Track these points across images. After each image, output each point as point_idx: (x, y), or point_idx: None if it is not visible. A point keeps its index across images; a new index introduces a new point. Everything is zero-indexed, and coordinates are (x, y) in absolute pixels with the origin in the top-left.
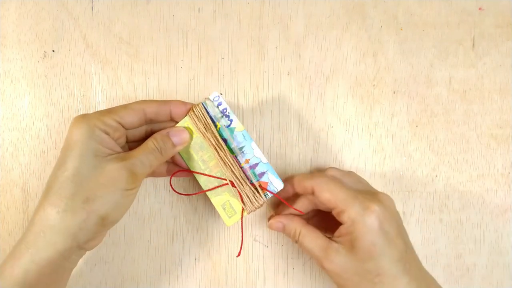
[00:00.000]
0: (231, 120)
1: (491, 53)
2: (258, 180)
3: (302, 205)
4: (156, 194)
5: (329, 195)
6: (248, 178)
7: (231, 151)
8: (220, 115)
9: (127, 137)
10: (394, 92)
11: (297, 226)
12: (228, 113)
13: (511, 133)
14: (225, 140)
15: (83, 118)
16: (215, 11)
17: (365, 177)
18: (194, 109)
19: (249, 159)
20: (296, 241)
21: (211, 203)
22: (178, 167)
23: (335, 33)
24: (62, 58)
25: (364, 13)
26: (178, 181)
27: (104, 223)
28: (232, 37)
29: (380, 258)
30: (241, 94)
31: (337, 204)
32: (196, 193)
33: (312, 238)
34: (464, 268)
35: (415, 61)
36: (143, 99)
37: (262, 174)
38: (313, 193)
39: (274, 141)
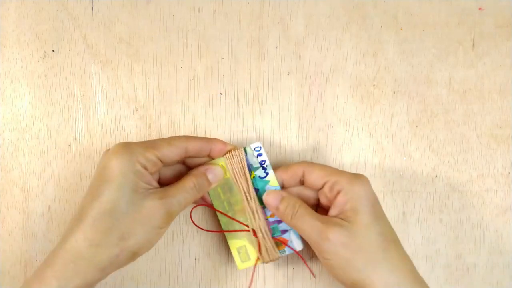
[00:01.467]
0: (267, 173)
1: (491, 53)
2: (279, 236)
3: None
4: None
5: (320, 171)
6: (270, 231)
7: (260, 201)
8: (257, 165)
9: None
10: (394, 92)
11: (296, 201)
12: (266, 166)
13: (511, 133)
14: (256, 190)
15: (126, 149)
16: (215, 11)
17: None
18: (233, 152)
19: (274, 214)
20: (291, 219)
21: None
22: (200, 200)
23: (335, 33)
24: (62, 58)
25: (364, 13)
26: (196, 211)
27: (134, 257)
28: (232, 37)
29: (381, 221)
30: (241, 94)
31: (330, 177)
32: (216, 231)
33: (310, 216)
34: (464, 268)
35: (415, 61)
36: (184, 134)
37: (285, 231)
38: (303, 177)
39: (274, 141)
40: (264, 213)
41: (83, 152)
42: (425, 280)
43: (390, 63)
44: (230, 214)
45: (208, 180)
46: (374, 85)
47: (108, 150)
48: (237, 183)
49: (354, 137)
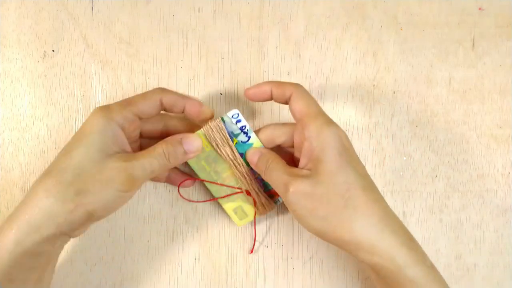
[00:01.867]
0: (249, 137)
1: (491, 53)
2: (271, 189)
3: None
4: (156, 194)
5: (303, 106)
6: (262, 187)
7: (247, 164)
8: (238, 131)
9: (142, 132)
10: (394, 92)
11: (269, 157)
12: (247, 130)
13: (511, 133)
14: (241, 155)
15: (103, 110)
16: (215, 11)
17: None
18: (210, 124)
19: None
20: (264, 174)
21: (212, 205)
22: (180, 176)
23: (335, 33)
24: (62, 58)
25: (364, 13)
26: (184, 189)
27: (90, 218)
28: (232, 37)
29: (348, 169)
30: (241, 94)
31: (305, 117)
32: (209, 200)
33: (279, 167)
34: (464, 268)
35: (415, 61)
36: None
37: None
38: (288, 99)
39: None
40: (253, 173)
41: None
42: None
43: (390, 63)
44: (219, 182)
45: (184, 150)
46: (374, 85)
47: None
48: (222, 153)
49: (354, 137)
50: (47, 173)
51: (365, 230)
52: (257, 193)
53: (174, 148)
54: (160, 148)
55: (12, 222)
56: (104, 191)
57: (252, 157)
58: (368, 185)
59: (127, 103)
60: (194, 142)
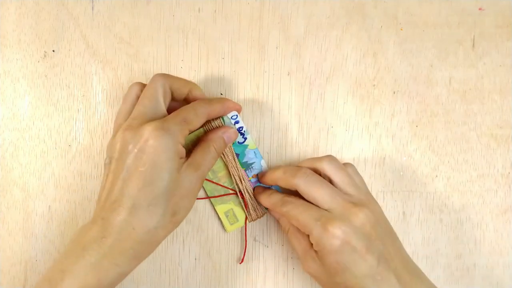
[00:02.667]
0: (245, 138)
1: (491, 53)
2: None
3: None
4: None
5: (296, 222)
6: (253, 191)
7: (242, 165)
8: None
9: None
10: (394, 92)
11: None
12: (244, 131)
13: (511, 133)
14: (237, 155)
15: (167, 133)
16: (215, 11)
17: (365, 177)
18: (211, 122)
19: (256, 174)
20: (286, 234)
21: (211, 207)
22: None
23: (335, 33)
24: (62, 58)
25: (364, 13)
26: None
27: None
28: (232, 37)
29: (345, 274)
30: (241, 94)
31: (304, 229)
32: (202, 198)
33: (298, 238)
34: (464, 268)
35: (415, 61)
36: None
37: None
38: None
39: (274, 141)
40: (247, 175)
41: (83, 152)
42: None
43: (390, 63)
44: (215, 181)
45: (224, 141)
46: (374, 85)
47: (141, 127)
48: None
49: (354, 137)
50: (135, 206)
51: None
52: (249, 194)
53: (220, 142)
54: (213, 148)
55: (112, 258)
56: (190, 202)
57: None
58: (372, 283)
59: (184, 121)
60: (232, 134)
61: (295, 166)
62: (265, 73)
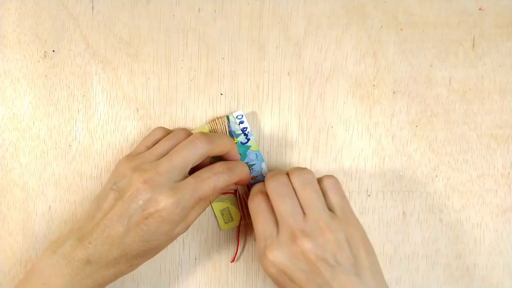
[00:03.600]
0: (248, 139)
1: (491, 53)
2: None
3: None
4: None
5: (254, 222)
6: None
7: None
8: (239, 132)
9: None
10: (394, 92)
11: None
12: (247, 132)
13: (511, 133)
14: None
15: (181, 211)
16: (215, 11)
17: (365, 177)
18: (216, 120)
19: (256, 176)
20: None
21: (211, 207)
22: None
23: (335, 33)
24: (62, 58)
25: (364, 14)
26: None
27: None
28: (232, 37)
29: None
30: (241, 94)
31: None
32: None
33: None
34: (464, 268)
35: (415, 61)
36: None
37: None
38: None
39: (274, 141)
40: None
41: (83, 152)
42: (424, 280)
43: (390, 63)
44: None
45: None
46: (374, 85)
47: (160, 194)
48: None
49: (354, 137)
50: (125, 254)
51: None
52: (246, 194)
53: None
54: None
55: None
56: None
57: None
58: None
59: (199, 200)
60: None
61: (279, 172)
62: (265, 73)
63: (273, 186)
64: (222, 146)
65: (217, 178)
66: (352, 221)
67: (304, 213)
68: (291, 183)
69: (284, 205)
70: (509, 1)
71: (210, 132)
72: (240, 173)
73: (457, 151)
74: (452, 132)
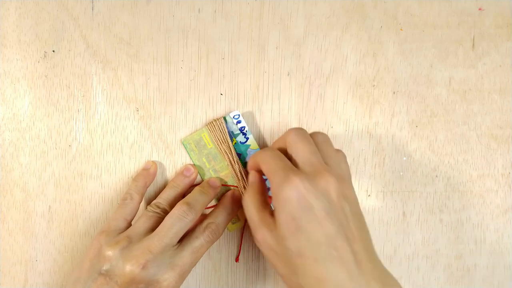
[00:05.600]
0: (247, 138)
1: (491, 53)
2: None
3: None
4: (156, 194)
5: (265, 166)
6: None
7: (244, 165)
8: (238, 132)
9: None
10: (394, 92)
11: (252, 181)
12: (246, 131)
13: (511, 133)
14: (239, 155)
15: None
16: (215, 11)
17: (365, 177)
18: (213, 122)
19: None
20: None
21: None
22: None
23: (335, 33)
24: (62, 58)
25: (364, 14)
26: None
27: None
28: (232, 38)
29: (298, 236)
30: (241, 94)
31: (268, 174)
32: None
33: (258, 204)
34: (464, 268)
35: (415, 62)
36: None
37: (268, 189)
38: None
39: None
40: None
41: (83, 152)
42: (425, 280)
43: (390, 63)
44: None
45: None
46: (374, 85)
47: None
48: (221, 150)
49: (354, 137)
50: None
51: None
52: None
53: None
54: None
55: None
56: None
57: (249, 168)
58: (327, 255)
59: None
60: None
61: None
62: (265, 73)
63: (295, 133)
64: (204, 203)
65: (208, 235)
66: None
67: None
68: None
69: (309, 146)
70: (509, 1)
71: (209, 136)
72: (211, 196)
73: (457, 151)
74: (452, 132)
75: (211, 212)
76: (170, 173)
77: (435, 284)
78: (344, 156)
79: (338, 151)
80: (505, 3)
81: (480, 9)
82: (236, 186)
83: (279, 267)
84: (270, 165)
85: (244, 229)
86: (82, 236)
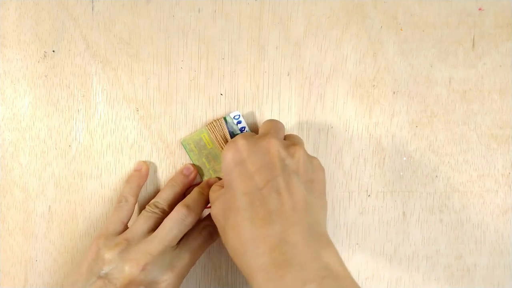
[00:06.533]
0: None
1: (491, 53)
2: None
3: None
4: (156, 194)
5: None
6: None
7: None
8: (238, 132)
9: None
10: (394, 92)
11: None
12: (246, 131)
13: (511, 133)
14: None
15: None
16: (215, 11)
17: (365, 177)
18: (214, 122)
19: None
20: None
21: None
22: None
23: (335, 33)
24: (62, 58)
25: (364, 14)
26: None
27: None
28: (232, 38)
29: (230, 189)
30: (241, 94)
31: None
32: None
33: (216, 190)
34: (464, 268)
35: (415, 61)
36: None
37: None
38: None
39: None
40: None
41: (83, 152)
42: (425, 280)
43: (390, 63)
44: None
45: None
46: (374, 85)
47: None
48: (221, 150)
49: (354, 137)
50: None
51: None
52: None
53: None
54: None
55: None
56: None
57: None
58: (248, 204)
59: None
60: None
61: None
62: (265, 73)
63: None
64: (203, 205)
65: (206, 236)
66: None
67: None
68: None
69: (268, 123)
70: (509, 1)
71: (209, 136)
72: (206, 198)
73: (457, 151)
74: (452, 132)
75: (209, 213)
76: (170, 173)
77: (435, 284)
78: (316, 160)
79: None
80: (505, 3)
81: (480, 9)
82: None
83: (224, 240)
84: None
85: None
86: (82, 236)
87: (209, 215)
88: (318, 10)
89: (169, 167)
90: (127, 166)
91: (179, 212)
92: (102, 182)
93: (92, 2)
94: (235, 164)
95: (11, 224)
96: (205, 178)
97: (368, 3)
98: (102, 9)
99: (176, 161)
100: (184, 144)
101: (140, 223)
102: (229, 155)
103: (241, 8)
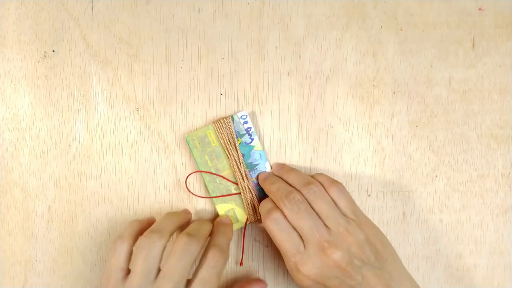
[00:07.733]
0: (252, 139)
1: (491, 53)
2: (262, 196)
3: None
4: (156, 194)
5: (277, 246)
6: (256, 192)
7: (246, 165)
8: (244, 132)
9: None
10: (394, 92)
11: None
12: (251, 132)
13: (511, 133)
14: (242, 155)
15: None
16: (215, 11)
17: (365, 177)
18: (221, 120)
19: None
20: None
21: (213, 205)
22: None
23: (335, 33)
24: (62, 58)
25: (364, 14)
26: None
27: None
28: (232, 37)
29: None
30: (241, 94)
31: (282, 254)
32: (203, 197)
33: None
34: (464, 268)
35: (415, 61)
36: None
37: None
38: None
39: (274, 141)
40: (251, 176)
41: (83, 152)
42: (425, 280)
43: (390, 63)
44: (217, 180)
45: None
46: (374, 85)
47: None
48: (226, 149)
49: (354, 137)
50: None
51: None
52: (252, 193)
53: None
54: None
55: None
56: None
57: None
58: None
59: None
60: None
61: (288, 186)
62: (265, 73)
63: (289, 207)
64: (206, 231)
65: (216, 267)
66: (364, 221)
67: (325, 224)
68: (303, 195)
69: (306, 222)
70: (509, 1)
71: (215, 134)
72: (211, 225)
73: (457, 151)
74: (452, 132)
75: (209, 241)
76: (170, 173)
77: (435, 284)
78: (340, 188)
79: (331, 188)
80: (505, 3)
81: (480, 9)
82: (236, 183)
83: None
84: (282, 247)
85: (245, 230)
86: (82, 236)
87: (209, 242)
88: (318, 10)
89: (169, 167)
90: (127, 166)
91: (180, 242)
92: (102, 182)
93: (92, 2)
94: (318, 285)
95: (11, 224)
96: (207, 176)
97: (368, 3)
98: (102, 9)
99: (176, 161)
100: (188, 139)
101: (141, 268)
102: (308, 281)
103: (241, 8)
